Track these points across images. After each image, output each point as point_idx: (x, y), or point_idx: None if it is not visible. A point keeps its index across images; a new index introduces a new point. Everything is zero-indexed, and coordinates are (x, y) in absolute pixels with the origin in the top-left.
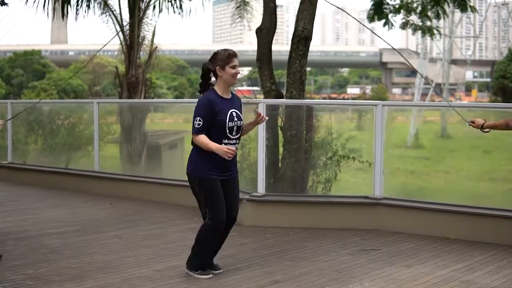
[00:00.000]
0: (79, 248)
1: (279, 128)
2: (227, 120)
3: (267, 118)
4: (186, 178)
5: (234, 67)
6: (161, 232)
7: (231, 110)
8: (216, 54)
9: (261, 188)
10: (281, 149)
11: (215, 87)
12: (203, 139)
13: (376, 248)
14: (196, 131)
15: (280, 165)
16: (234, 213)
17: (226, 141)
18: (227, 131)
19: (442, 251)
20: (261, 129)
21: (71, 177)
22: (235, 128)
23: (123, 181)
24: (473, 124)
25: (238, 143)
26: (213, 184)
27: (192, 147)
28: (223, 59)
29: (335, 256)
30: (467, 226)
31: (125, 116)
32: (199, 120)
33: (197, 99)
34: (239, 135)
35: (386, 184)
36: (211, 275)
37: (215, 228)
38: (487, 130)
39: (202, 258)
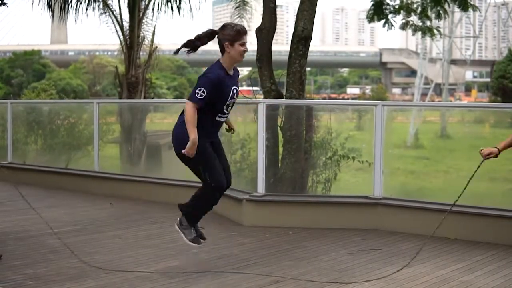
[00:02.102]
0: (79, 248)
1: (279, 128)
2: (228, 98)
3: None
4: (187, 177)
5: (243, 44)
6: (161, 232)
7: (233, 87)
8: (225, 27)
9: (261, 188)
10: (281, 149)
11: (222, 62)
12: (193, 117)
13: (376, 248)
14: (195, 100)
15: (280, 165)
16: (229, 175)
17: (220, 114)
18: (224, 108)
19: (442, 251)
20: (261, 129)
21: (71, 177)
22: (231, 104)
23: (123, 181)
24: (491, 156)
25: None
26: (207, 147)
27: (179, 118)
28: (232, 34)
29: (335, 256)
30: (467, 226)
31: (125, 116)
32: (203, 92)
33: (207, 68)
34: (230, 110)
35: (386, 184)
36: (201, 244)
37: (218, 189)
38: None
39: (197, 214)
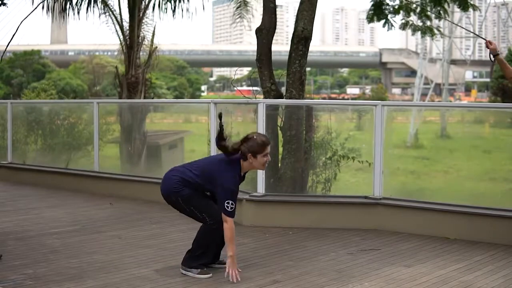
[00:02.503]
0: (79, 248)
1: (279, 128)
2: None
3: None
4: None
5: (266, 155)
6: (161, 232)
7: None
8: (248, 140)
9: (260, 188)
10: (281, 149)
11: (241, 164)
12: (233, 233)
13: (376, 248)
14: (230, 214)
15: (280, 165)
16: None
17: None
18: None
19: (442, 251)
20: (261, 129)
21: (71, 177)
22: None
23: (123, 181)
24: (490, 46)
25: None
26: (193, 193)
27: (174, 171)
28: (256, 148)
29: (335, 256)
30: (466, 226)
31: (125, 116)
32: (232, 204)
33: (223, 170)
34: None
35: (385, 184)
36: (210, 274)
37: (218, 227)
38: (493, 58)
39: (206, 259)
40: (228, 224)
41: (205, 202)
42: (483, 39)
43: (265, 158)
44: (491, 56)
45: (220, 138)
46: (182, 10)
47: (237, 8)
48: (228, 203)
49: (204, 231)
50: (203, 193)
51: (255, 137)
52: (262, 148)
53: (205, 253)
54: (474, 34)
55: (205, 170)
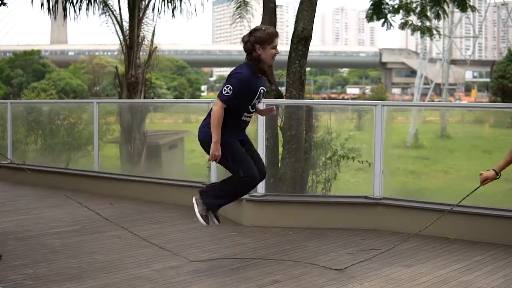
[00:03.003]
0: (79, 248)
1: (279, 128)
2: (255, 98)
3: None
4: (187, 177)
5: (274, 47)
6: (161, 232)
7: (260, 88)
8: (256, 31)
9: (260, 188)
10: (281, 149)
11: (250, 62)
12: (219, 117)
13: (376, 248)
14: (224, 98)
15: (280, 165)
16: (263, 166)
17: (246, 114)
18: (250, 107)
19: (442, 251)
20: (261, 129)
21: (71, 177)
22: (256, 104)
23: (123, 181)
24: (488, 181)
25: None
26: (236, 145)
27: (207, 116)
28: (264, 37)
29: (335, 256)
30: (467, 226)
31: (125, 116)
32: (230, 90)
33: (234, 69)
34: (255, 109)
35: (385, 184)
36: (208, 225)
37: (251, 182)
38: (498, 176)
39: (221, 202)
40: (216, 107)
41: (242, 155)
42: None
43: (273, 51)
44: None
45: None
46: (181, 10)
47: (237, 8)
48: (227, 87)
49: (235, 181)
50: (241, 142)
51: (263, 28)
52: (270, 39)
53: (224, 196)
54: None
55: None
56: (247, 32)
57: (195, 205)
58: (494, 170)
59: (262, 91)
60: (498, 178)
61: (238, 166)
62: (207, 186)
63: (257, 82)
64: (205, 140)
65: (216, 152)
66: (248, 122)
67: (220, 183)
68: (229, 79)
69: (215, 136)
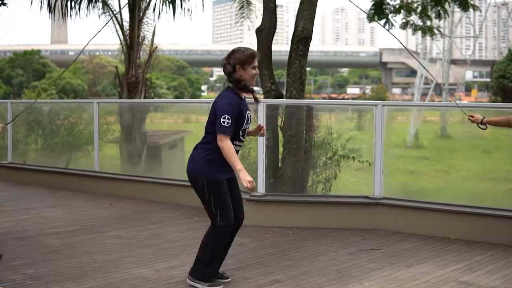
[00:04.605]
0: (79, 248)
1: (279, 128)
2: (244, 123)
3: (264, 134)
4: (184, 177)
5: (254, 67)
6: (161, 232)
7: (247, 112)
8: (235, 52)
9: (261, 188)
10: (281, 149)
11: (233, 87)
12: (232, 149)
13: (376, 248)
14: (225, 131)
15: (280, 165)
16: (242, 214)
17: (237, 142)
18: (241, 134)
19: (442, 251)
20: None
21: (71, 177)
22: (245, 131)
23: (123, 181)
24: (472, 119)
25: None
26: (224, 186)
27: (198, 146)
28: (244, 58)
29: (335, 256)
30: (467, 226)
31: (125, 116)
32: (228, 119)
33: (219, 97)
34: (244, 138)
35: (386, 184)
36: (221, 286)
37: (226, 230)
38: (484, 127)
39: (214, 267)
40: (223, 143)
41: (226, 200)
42: (466, 114)
43: (253, 71)
44: (480, 126)
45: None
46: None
47: (240, 8)
48: (224, 117)
49: (210, 236)
50: (229, 181)
51: (242, 49)
52: (250, 59)
53: (212, 261)
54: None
55: (210, 119)
56: (227, 54)
57: (197, 285)
58: (484, 117)
59: (249, 115)
60: (482, 128)
61: (219, 211)
62: (191, 268)
63: (243, 106)
64: (192, 174)
65: (248, 178)
66: (238, 151)
67: (198, 253)
68: (221, 109)
69: (238, 165)
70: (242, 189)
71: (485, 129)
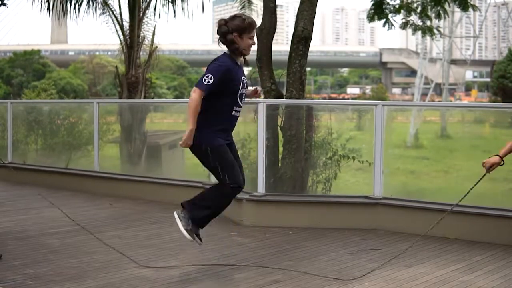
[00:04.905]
0: (79, 248)
1: (279, 128)
2: (240, 87)
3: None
4: (187, 177)
5: (252, 38)
6: (161, 232)
7: (243, 77)
8: (235, 18)
9: (261, 188)
10: (281, 149)
11: (230, 53)
12: (197, 105)
13: (376, 248)
14: (203, 86)
15: (280, 165)
16: (243, 177)
17: (236, 108)
18: (238, 99)
19: (442, 251)
20: (261, 129)
21: (71, 177)
22: (243, 95)
23: (123, 181)
24: (493, 168)
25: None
26: (226, 150)
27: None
28: (243, 26)
29: (335, 256)
30: (467, 226)
31: (125, 116)
32: (210, 78)
33: (213, 60)
34: (243, 102)
35: (386, 184)
36: (194, 239)
37: (236, 191)
38: (502, 163)
39: (207, 216)
40: (194, 94)
41: (231, 161)
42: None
43: (250, 41)
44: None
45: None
46: (183, 9)
47: (241, 8)
48: (207, 76)
49: (220, 186)
50: (228, 146)
51: (243, 17)
52: (249, 29)
53: (209, 207)
54: None
55: None
56: (227, 18)
57: (177, 220)
58: (498, 155)
59: (244, 80)
60: (502, 164)
61: (226, 173)
62: (188, 201)
63: (238, 71)
64: (194, 143)
65: (189, 141)
66: (237, 118)
67: (202, 193)
68: (209, 68)
69: (191, 125)
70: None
71: (503, 164)
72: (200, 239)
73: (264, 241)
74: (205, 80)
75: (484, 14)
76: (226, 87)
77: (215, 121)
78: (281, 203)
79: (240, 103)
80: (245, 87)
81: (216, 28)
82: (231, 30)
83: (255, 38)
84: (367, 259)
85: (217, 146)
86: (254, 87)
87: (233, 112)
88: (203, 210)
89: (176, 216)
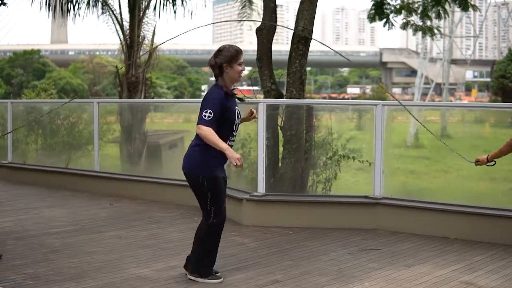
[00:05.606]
0: (79, 247)
1: (279, 128)
2: (235, 118)
3: (256, 117)
4: (184, 177)
5: (241, 64)
6: (161, 232)
7: (235, 108)
8: (221, 50)
9: (261, 188)
10: (281, 149)
11: (220, 84)
12: (213, 134)
13: (376, 248)
14: (205, 122)
15: (280, 165)
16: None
17: (231, 138)
18: (233, 129)
19: (442, 251)
20: (261, 129)
21: (71, 177)
22: (238, 125)
23: (123, 181)
24: (479, 163)
25: None
26: (221, 182)
27: (193, 143)
28: (230, 55)
29: (335, 256)
30: (467, 226)
31: (125, 116)
32: (210, 113)
33: (206, 93)
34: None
35: (386, 184)
36: (221, 279)
37: (221, 226)
38: (492, 163)
39: (212, 260)
40: (203, 130)
41: (222, 196)
42: (470, 162)
43: (240, 67)
44: (488, 164)
45: None
46: (184, 8)
47: (242, 7)
48: (206, 111)
49: (204, 231)
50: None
51: (227, 47)
52: (236, 56)
53: (209, 255)
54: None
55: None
56: (214, 53)
57: (195, 279)
58: (487, 156)
59: (238, 111)
60: (490, 165)
61: (213, 207)
62: (187, 262)
63: (232, 103)
64: (191, 171)
65: (236, 155)
66: (232, 146)
67: (193, 248)
68: (204, 104)
69: (223, 145)
70: (242, 189)
71: (494, 164)
72: (218, 277)
73: (264, 241)
74: (205, 116)
75: (484, 14)
76: (223, 120)
77: (212, 152)
78: (281, 203)
79: (234, 133)
80: (239, 117)
81: (211, 69)
82: (221, 63)
83: (279, 47)
84: (367, 259)
85: (215, 178)
86: (250, 109)
87: (228, 142)
88: (205, 260)
89: (192, 278)
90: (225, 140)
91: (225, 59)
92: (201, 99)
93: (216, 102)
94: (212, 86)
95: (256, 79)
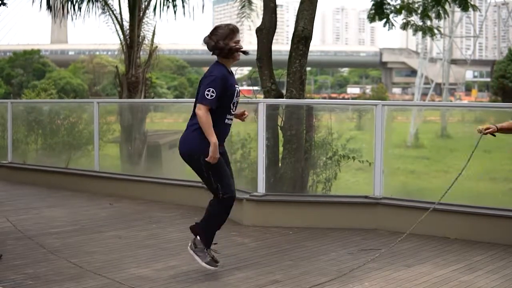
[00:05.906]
0: (79, 248)
1: (279, 127)
2: (235, 96)
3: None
4: (187, 177)
5: (237, 42)
6: (161, 232)
7: (236, 86)
8: (216, 29)
9: (261, 188)
10: (281, 149)
11: (220, 61)
12: (209, 121)
13: (376, 248)
14: (208, 102)
15: (280, 164)
16: (235, 187)
17: (228, 116)
18: (231, 107)
19: (442, 251)
20: (261, 128)
21: (71, 177)
22: (236, 104)
23: (123, 181)
24: (489, 131)
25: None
26: (220, 159)
27: (190, 122)
28: (226, 33)
29: (335, 256)
30: (467, 226)
31: (125, 116)
32: (213, 92)
33: (207, 71)
34: (234, 111)
35: (386, 184)
36: (217, 268)
37: (231, 201)
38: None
39: (212, 234)
40: (202, 111)
41: (224, 171)
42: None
43: (237, 46)
44: (495, 134)
45: None
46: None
47: (242, 7)
48: (208, 90)
49: (215, 207)
50: (221, 154)
51: (223, 25)
52: (231, 34)
53: (215, 228)
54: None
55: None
56: (210, 32)
57: (195, 256)
58: (496, 126)
59: (238, 89)
60: (494, 135)
61: (219, 183)
62: (193, 227)
63: (232, 79)
64: (188, 152)
65: (215, 154)
66: (230, 125)
67: (207, 213)
68: (207, 81)
69: (212, 138)
70: (242, 189)
71: (495, 135)
72: (216, 261)
73: (264, 241)
74: (207, 94)
75: (484, 14)
76: (222, 97)
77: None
78: (281, 203)
79: (232, 111)
80: (238, 95)
81: (206, 47)
82: (217, 40)
83: (279, 47)
84: (367, 259)
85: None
86: (242, 110)
87: (226, 120)
88: (210, 232)
89: (191, 252)
90: (223, 119)
91: (221, 36)
92: None
93: (218, 80)
94: (213, 64)
95: (256, 79)
